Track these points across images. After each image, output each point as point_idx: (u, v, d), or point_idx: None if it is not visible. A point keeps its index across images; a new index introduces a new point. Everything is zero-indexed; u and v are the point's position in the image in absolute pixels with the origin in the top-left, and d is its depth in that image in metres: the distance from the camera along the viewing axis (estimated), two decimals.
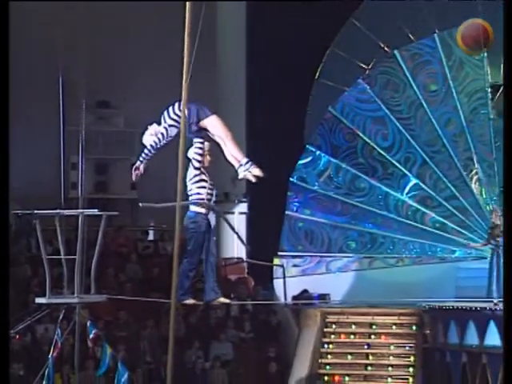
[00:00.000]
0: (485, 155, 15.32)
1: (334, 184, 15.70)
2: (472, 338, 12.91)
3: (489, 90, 15.38)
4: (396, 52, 15.48)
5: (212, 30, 17.99)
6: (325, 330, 14.08)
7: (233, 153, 8.71)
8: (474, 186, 15.36)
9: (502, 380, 12.43)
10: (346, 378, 13.64)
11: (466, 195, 15.30)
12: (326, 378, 13.72)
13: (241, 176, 8.72)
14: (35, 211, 9.24)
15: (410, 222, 15.43)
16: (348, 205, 15.52)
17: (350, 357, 13.77)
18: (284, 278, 15.50)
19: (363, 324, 14.04)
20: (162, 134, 8.81)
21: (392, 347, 13.77)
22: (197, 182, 8.78)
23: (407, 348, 13.70)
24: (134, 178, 8.86)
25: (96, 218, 9.53)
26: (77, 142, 15.34)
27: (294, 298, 15.36)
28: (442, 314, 13.33)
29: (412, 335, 13.77)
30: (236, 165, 8.70)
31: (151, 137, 8.88)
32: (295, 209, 15.78)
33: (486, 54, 15.19)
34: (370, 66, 15.99)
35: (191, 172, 8.80)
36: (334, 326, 14.11)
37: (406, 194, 15.48)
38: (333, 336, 14.06)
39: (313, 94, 16.54)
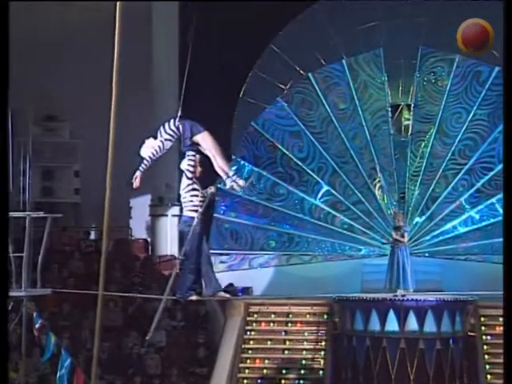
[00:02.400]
0: (386, 165, 15.58)
1: (257, 190, 15.76)
2: (374, 325, 13.15)
3: (389, 109, 15.77)
4: (310, 75, 15.63)
5: (147, 48, 17.94)
6: (248, 318, 14.12)
7: (221, 166, 8.77)
8: (377, 193, 15.62)
9: (398, 361, 12.79)
10: (266, 361, 13.70)
11: (370, 200, 15.54)
12: (248, 361, 13.77)
13: (228, 186, 8.80)
14: None
15: (322, 223, 15.59)
16: (268, 208, 15.60)
17: (269, 342, 13.83)
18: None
19: (281, 313, 14.11)
20: (159, 146, 8.84)
21: (306, 334, 13.88)
22: (190, 190, 8.76)
23: (319, 334, 13.82)
24: (134, 185, 8.84)
25: (42, 220, 9.52)
26: (25, 151, 15.20)
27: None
28: (349, 304, 13.50)
29: (324, 323, 13.91)
30: (224, 176, 8.75)
31: (148, 149, 8.90)
32: (222, 212, 15.83)
33: (386, 78, 15.57)
34: (287, 87, 16.08)
35: (184, 182, 8.80)
36: (255, 316, 14.15)
37: (319, 199, 15.63)
38: (254, 324, 14.12)
39: (237, 111, 16.60)
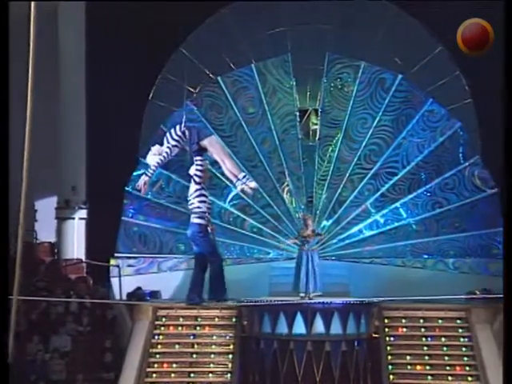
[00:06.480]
0: (294, 170, 15.83)
1: (166, 193, 15.68)
2: (282, 328, 13.19)
3: (297, 113, 16.00)
4: (219, 78, 15.74)
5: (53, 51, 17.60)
6: (156, 322, 13.97)
7: (230, 169, 8.65)
8: (286, 197, 15.83)
9: (304, 363, 12.96)
10: (174, 365, 13.62)
11: (278, 204, 15.74)
12: (156, 365, 13.66)
13: (239, 189, 8.70)
14: None
15: (231, 227, 15.68)
16: (177, 211, 15.48)
17: (177, 346, 13.73)
18: (120, 276, 15.40)
19: (190, 317, 14.02)
20: (167, 152, 8.72)
21: (214, 337, 13.83)
22: (198, 196, 8.61)
23: (228, 337, 13.78)
24: (142, 191, 8.70)
25: None
26: None
27: (129, 294, 15.28)
28: (257, 308, 13.51)
29: (232, 326, 13.86)
30: (234, 180, 8.63)
31: (155, 156, 8.78)
32: (130, 215, 15.69)
33: (294, 83, 15.80)
34: (197, 90, 16.08)
35: (193, 187, 8.65)
36: (163, 319, 14.02)
37: (229, 202, 15.73)
38: (163, 328, 13.98)
39: (146, 113, 16.52)
